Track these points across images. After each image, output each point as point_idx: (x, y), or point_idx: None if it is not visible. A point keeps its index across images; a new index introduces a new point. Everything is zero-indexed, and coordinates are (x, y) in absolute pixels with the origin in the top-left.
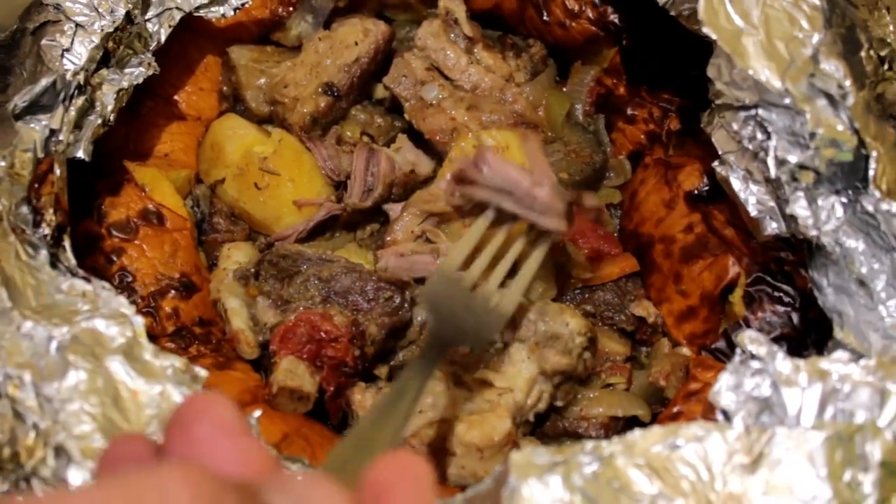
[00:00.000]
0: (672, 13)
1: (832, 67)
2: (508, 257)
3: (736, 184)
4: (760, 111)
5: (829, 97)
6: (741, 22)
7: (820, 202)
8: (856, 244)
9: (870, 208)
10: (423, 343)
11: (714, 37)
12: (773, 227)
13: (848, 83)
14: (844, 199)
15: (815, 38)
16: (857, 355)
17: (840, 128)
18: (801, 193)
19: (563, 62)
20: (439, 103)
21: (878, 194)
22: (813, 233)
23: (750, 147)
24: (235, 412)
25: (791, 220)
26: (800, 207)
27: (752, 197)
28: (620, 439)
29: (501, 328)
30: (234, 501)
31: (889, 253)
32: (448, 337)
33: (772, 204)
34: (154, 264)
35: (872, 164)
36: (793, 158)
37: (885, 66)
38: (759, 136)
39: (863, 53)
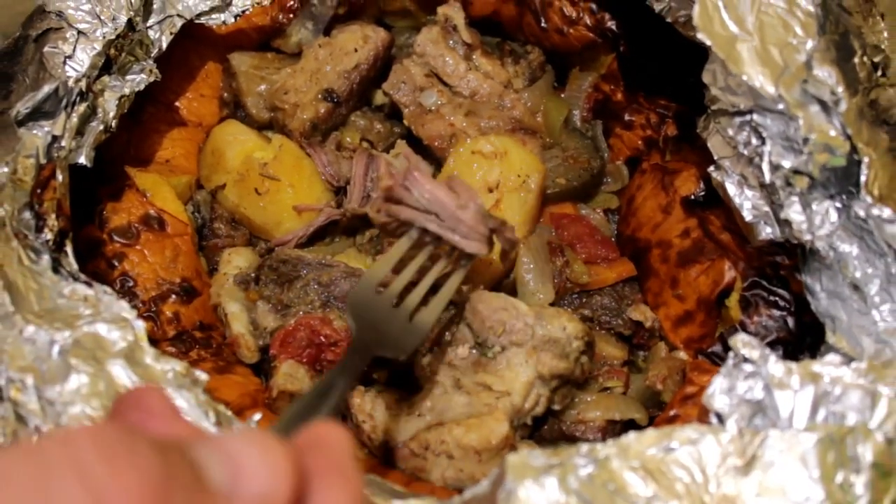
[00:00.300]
0: (668, 20)
1: (825, 74)
2: (429, 276)
3: (731, 189)
4: (755, 116)
5: (822, 103)
6: (736, 28)
7: (814, 207)
8: (850, 249)
9: (862, 213)
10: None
11: (709, 43)
12: (767, 231)
13: (840, 89)
14: (838, 204)
15: (809, 44)
16: (849, 359)
17: (833, 133)
18: (795, 198)
19: (561, 68)
20: (438, 109)
21: (869, 199)
22: (807, 237)
23: (745, 152)
24: (167, 401)
25: (785, 224)
26: (794, 212)
27: (747, 202)
28: (615, 442)
29: (421, 343)
30: (150, 453)
31: (882, 258)
32: (370, 343)
33: (766, 209)
34: (155, 269)
35: (864, 170)
36: (787, 163)
37: (879, 73)
38: (754, 141)
39: (856, 60)
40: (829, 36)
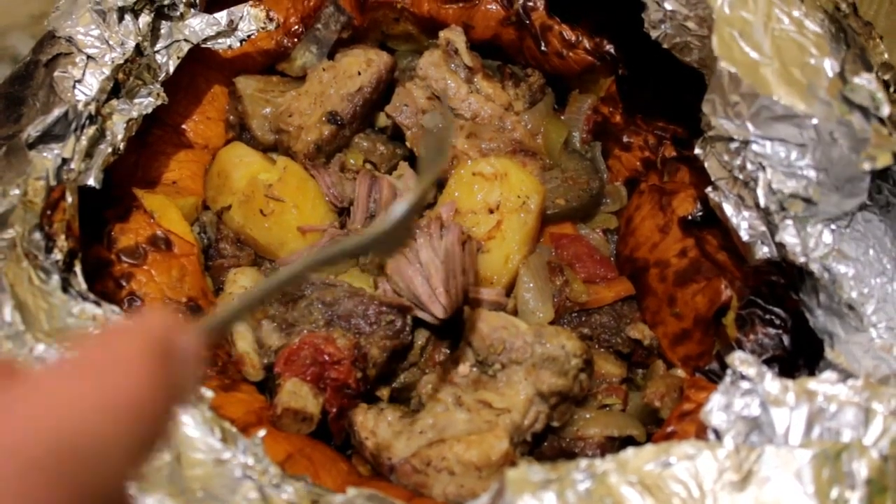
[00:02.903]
0: (665, 45)
1: (864, 80)
2: None
3: (728, 209)
4: (754, 147)
5: (863, 109)
6: (755, 54)
7: (808, 229)
8: (844, 270)
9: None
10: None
11: (734, 70)
12: (764, 251)
13: (881, 94)
14: (833, 227)
15: (827, 61)
16: (846, 375)
17: (885, 132)
18: (789, 221)
19: (561, 91)
20: None
21: None
22: (801, 259)
23: (740, 177)
24: None
25: (780, 247)
26: (788, 235)
27: (744, 222)
28: (614, 457)
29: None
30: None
31: (878, 277)
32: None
33: (763, 229)
34: (162, 289)
35: None
36: (787, 189)
37: (892, 89)
38: (749, 167)
39: (876, 72)
40: (852, 50)
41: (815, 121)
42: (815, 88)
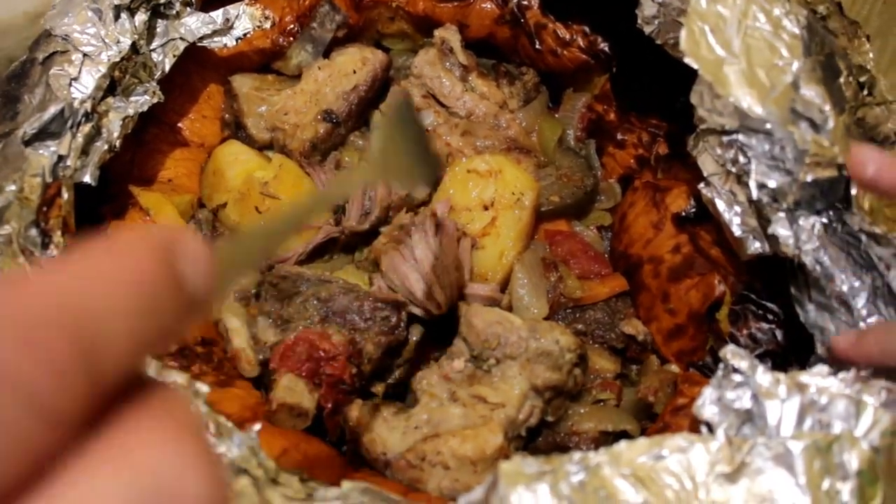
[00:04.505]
0: (658, 41)
1: (812, 93)
2: None
3: (720, 205)
4: (741, 137)
5: (811, 121)
6: (723, 51)
7: (801, 223)
8: (836, 263)
9: (854, 227)
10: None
11: (696, 66)
12: (756, 246)
13: (827, 108)
14: (825, 220)
15: (795, 65)
16: (836, 369)
17: (826, 144)
18: (782, 214)
19: (556, 89)
20: (435, 129)
21: (860, 214)
22: (794, 252)
23: (733, 170)
24: None
25: (773, 239)
26: (781, 228)
27: (736, 217)
28: (607, 450)
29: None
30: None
31: (869, 271)
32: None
33: (755, 224)
34: None
35: (854, 186)
36: (772, 183)
37: (865, 92)
38: (741, 159)
39: (842, 79)
40: (815, 57)
41: (768, 125)
42: (775, 92)
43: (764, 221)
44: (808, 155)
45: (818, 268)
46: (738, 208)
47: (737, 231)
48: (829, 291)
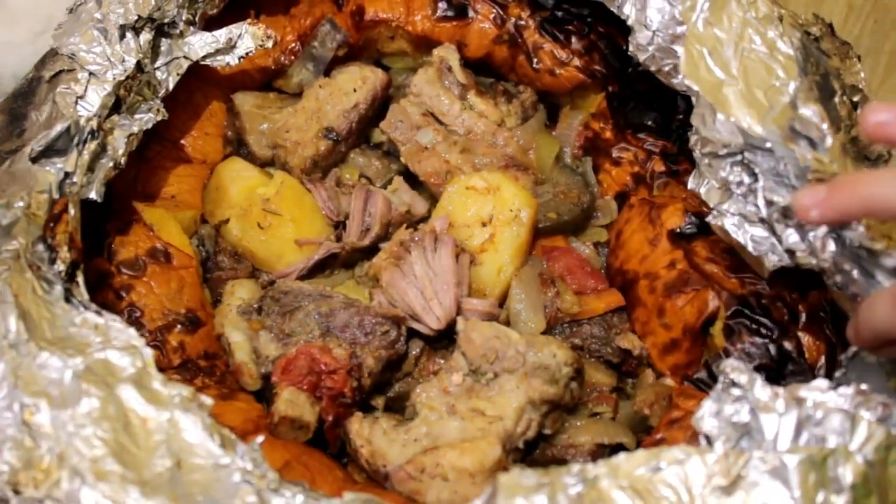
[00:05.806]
0: (652, 69)
1: (810, 112)
2: None
3: (731, 229)
4: (747, 154)
5: (809, 139)
6: (721, 73)
7: (810, 237)
8: (851, 270)
9: (855, 243)
10: None
11: (696, 88)
12: (775, 260)
13: (825, 126)
14: (834, 235)
15: (792, 85)
16: (836, 384)
17: (826, 161)
18: (792, 230)
19: (553, 107)
20: (434, 147)
21: (861, 229)
22: (813, 261)
23: (739, 192)
24: None
25: (790, 253)
26: (794, 242)
27: (749, 238)
28: (605, 462)
29: None
30: None
31: (874, 287)
32: None
33: (770, 239)
34: (161, 300)
35: None
36: (779, 199)
37: (858, 111)
38: (746, 179)
39: (836, 99)
40: (811, 77)
41: (769, 144)
42: (774, 112)
43: (777, 237)
44: (810, 172)
45: (839, 277)
46: (749, 228)
47: (753, 251)
48: (851, 295)
